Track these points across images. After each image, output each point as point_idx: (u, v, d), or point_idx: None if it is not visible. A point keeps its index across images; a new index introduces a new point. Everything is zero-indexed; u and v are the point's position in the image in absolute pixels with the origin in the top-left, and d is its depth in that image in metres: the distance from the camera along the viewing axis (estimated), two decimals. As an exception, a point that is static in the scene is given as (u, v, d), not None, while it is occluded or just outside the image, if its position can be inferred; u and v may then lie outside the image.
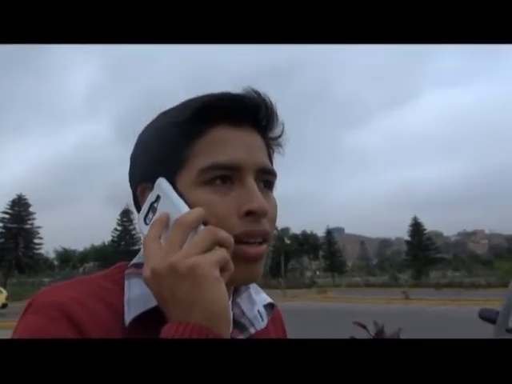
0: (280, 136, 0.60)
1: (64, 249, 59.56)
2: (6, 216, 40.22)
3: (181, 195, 0.51)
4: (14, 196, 41.00)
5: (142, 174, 0.56)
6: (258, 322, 0.60)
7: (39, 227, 41.71)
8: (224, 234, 0.47)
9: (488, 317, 3.58)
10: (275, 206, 0.57)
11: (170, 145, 0.54)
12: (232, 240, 0.48)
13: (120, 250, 45.91)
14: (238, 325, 0.58)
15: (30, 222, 41.16)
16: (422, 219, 54.97)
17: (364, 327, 5.35)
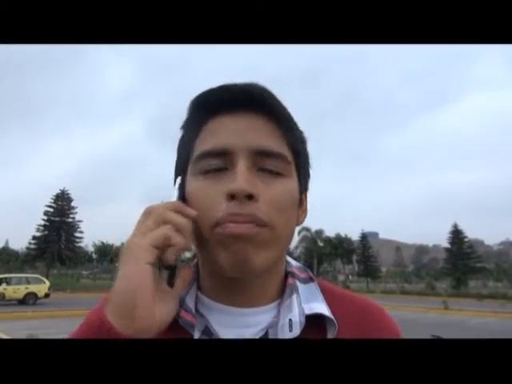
0: (290, 121, 0.56)
1: (102, 243, 61.56)
2: (50, 209, 42.00)
3: (180, 189, 0.55)
4: (57, 190, 42.83)
5: (174, 173, 0.59)
6: (283, 333, 0.54)
7: (80, 221, 43.28)
8: (170, 216, 0.48)
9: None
10: (281, 193, 0.52)
11: (182, 143, 0.58)
12: (181, 220, 0.48)
13: (155, 247, 46.61)
14: (264, 334, 0.54)
15: (71, 215, 42.78)
16: (462, 226, 52.68)
17: None
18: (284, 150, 0.54)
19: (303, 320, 0.55)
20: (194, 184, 0.53)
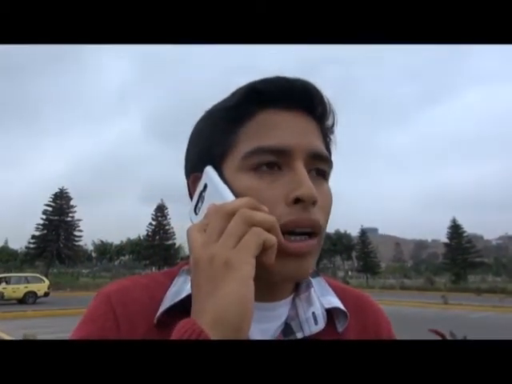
0: (334, 125, 0.57)
1: (102, 241, 61.59)
2: (49, 208, 41.91)
3: (226, 182, 0.49)
4: (56, 189, 42.72)
5: (193, 164, 0.55)
6: (309, 326, 0.54)
7: (79, 220, 43.20)
8: (259, 216, 0.44)
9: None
10: (330, 197, 0.53)
11: (217, 132, 0.53)
12: (271, 219, 0.44)
13: (154, 245, 46.90)
14: (285, 328, 0.54)
15: (70, 214, 42.69)
16: (461, 221, 52.75)
17: (443, 337, 5.02)
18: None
19: (324, 313, 0.56)
20: (249, 181, 0.49)
